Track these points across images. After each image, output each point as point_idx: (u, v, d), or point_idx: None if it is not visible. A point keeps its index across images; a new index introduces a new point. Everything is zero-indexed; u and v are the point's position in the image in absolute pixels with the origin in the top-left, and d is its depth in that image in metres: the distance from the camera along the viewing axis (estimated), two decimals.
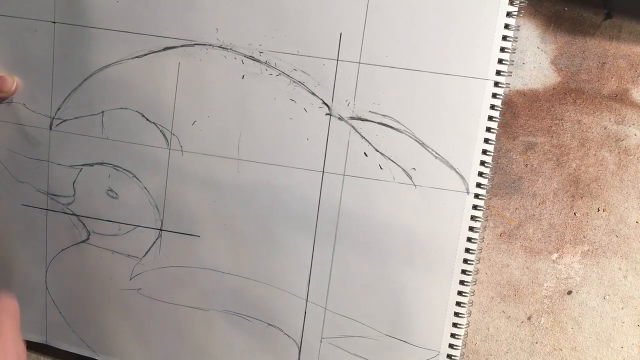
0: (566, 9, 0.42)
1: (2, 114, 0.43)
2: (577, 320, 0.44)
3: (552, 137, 0.43)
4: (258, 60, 0.40)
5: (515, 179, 0.43)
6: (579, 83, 0.43)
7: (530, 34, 0.42)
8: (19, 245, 0.45)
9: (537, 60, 0.42)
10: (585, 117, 0.43)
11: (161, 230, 0.43)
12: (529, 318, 0.44)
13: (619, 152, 0.43)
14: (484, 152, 0.40)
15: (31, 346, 0.47)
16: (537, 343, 0.44)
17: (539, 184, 0.43)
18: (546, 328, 0.45)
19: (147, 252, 0.43)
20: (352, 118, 0.40)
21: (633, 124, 0.43)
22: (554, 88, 0.43)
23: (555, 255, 0.44)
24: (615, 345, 0.44)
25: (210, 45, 0.40)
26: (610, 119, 0.43)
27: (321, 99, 0.40)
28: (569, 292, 0.44)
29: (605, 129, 0.43)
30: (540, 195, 0.44)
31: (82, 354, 0.46)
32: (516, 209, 0.44)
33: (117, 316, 0.44)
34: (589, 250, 0.44)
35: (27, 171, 0.43)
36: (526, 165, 0.43)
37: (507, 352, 0.44)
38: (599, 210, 0.44)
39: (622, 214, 0.44)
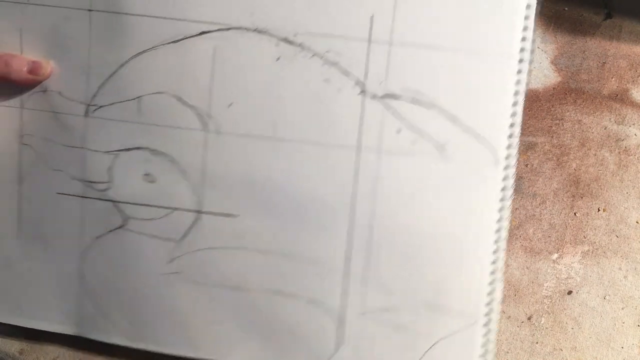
0: (566, 8, 0.43)
1: (37, 103, 0.43)
2: (577, 321, 0.44)
3: (552, 137, 0.44)
4: (292, 43, 0.42)
5: (516, 179, 0.44)
6: (579, 83, 0.43)
7: None
8: (52, 235, 0.45)
9: (537, 60, 0.43)
10: (586, 117, 0.44)
11: (199, 212, 0.43)
12: (529, 318, 0.45)
13: (619, 152, 0.44)
14: (511, 125, 0.42)
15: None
16: (537, 343, 0.45)
17: (539, 184, 0.44)
18: (546, 328, 0.45)
19: (185, 235, 0.44)
20: (384, 96, 0.42)
21: (633, 124, 0.44)
22: (554, 88, 0.44)
23: (555, 255, 0.45)
24: (615, 346, 0.44)
25: (246, 29, 0.42)
26: (610, 119, 0.44)
27: (354, 79, 0.42)
28: (569, 292, 0.45)
29: (605, 129, 0.44)
30: (540, 195, 0.44)
31: (117, 343, 0.46)
32: (516, 209, 0.44)
33: (155, 302, 0.45)
34: (589, 250, 0.44)
35: (62, 159, 0.44)
36: (526, 165, 0.44)
37: (507, 352, 0.45)
38: (599, 210, 0.44)
39: (622, 214, 0.44)
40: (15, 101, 0.44)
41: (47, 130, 0.44)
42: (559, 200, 0.44)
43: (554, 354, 0.45)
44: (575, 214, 0.44)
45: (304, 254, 0.43)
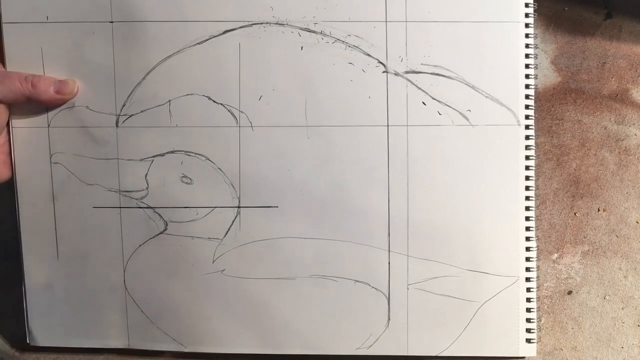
0: (566, 8, 0.43)
1: (64, 120, 0.43)
2: (577, 320, 0.45)
3: (552, 137, 0.44)
4: (314, 31, 0.43)
5: None
6: (579, 83, 0.44)
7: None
8: (93, 250, 0.45)
9: (537, 60, 0.43)
10: (586, 117, 0.44)
11: (239, 207, 0.44)
12: None
13: (619, 152, 0.44)
14: (527, 86, 0.44)
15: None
16: (537, 343, 0.45)
17: (539, 184, 0.45)
18: (546, 328, 0.45)
19: (227, 232, 0.44)
20: (407, 72, 0.43)
21: (633, 124, 0.44)
22: (554, 88, 0.44)
23: (555, 255, 0.45)
24: (615, 345, 0.45)
25: (267, 23, 0.43)
26: (610, 119, 0.44)
27: (376, 59, 0.43)
28: (569, 292, 0.45)
29: (605, 129, 0.44)
30: (540, 195, 0.45)
31: (168, 349, 0.46)
32: None
33: (203, 302, 0.45)
34: (589, 250, 0.45)
35: (96, 172, 0.44)
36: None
37: None
38: (599, 210, 0.45)
39: (622, 214, 0.45)
40: (41, 121, 0.44)
41: (77, 146, 0.44)
42: (559, 200, 0.45)
43: (554, 354, 0.45)
44: (575, 214, 0.45)
45: (346, 236, 0.44)
